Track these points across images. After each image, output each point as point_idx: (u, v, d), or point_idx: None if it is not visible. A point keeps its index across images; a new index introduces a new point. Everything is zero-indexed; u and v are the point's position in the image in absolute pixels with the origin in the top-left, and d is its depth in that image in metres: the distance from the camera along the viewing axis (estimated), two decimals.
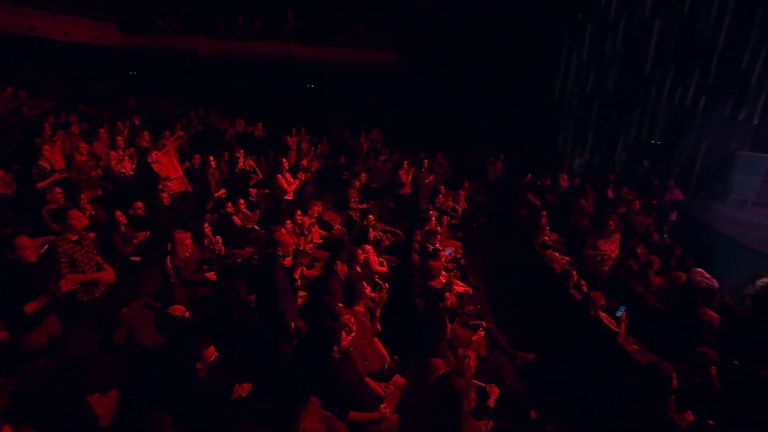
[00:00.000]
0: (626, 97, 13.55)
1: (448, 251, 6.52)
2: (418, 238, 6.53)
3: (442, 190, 9.76)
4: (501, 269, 7.69)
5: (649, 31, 13.20)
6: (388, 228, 7.90)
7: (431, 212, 7.06)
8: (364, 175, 9.30)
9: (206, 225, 5.52)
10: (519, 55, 14.79)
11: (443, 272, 5.51)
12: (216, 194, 7.40)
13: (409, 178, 9.85)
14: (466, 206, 10.23)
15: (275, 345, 3.59)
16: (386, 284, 5.36)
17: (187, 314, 4.45)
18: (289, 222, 5.91)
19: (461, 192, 10.07)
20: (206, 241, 5.58)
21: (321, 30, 17.73)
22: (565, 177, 10.39)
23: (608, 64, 13.89)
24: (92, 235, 5.10)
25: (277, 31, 17.36)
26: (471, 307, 5.19)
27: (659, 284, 5.38)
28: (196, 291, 5.00)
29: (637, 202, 7.44)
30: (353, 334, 3.46)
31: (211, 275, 5.24)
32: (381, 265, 5.70)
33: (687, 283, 4.78)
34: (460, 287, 5.50)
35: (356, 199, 8.82)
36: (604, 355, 4.20)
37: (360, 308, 4.07)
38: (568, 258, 6.74)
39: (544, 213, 7.68)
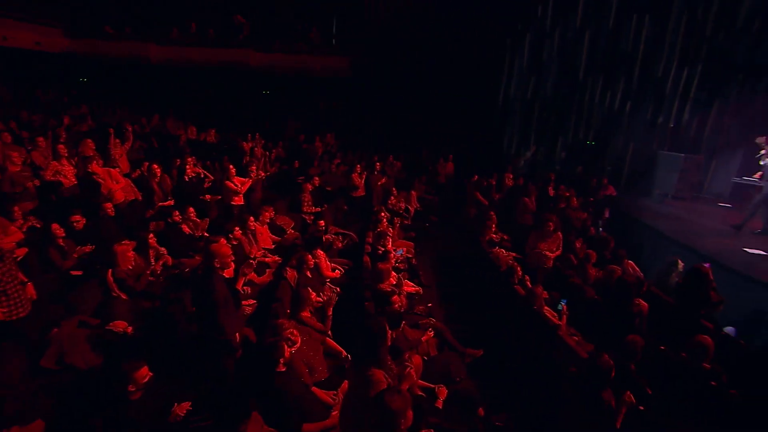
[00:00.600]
0: (563, 101, 13.96)
1: (399, 252, 6.37)
2: (370, 240, 6.34)
3: (395, 192, 9.64)
4: (452, 267, 7.64)
5: (580, 41, 13.66)
6: (341, 231, 7.67)
7: (383, 214, 6.88)
8: (317, 178, 9.01)
9: (151, 235, 5.08)
10: (465, 63, 14.95)
11: (393, 273, 5.35)
12: (164, 203, 6.88)
13: (362, 181, 9.65)
14: (418, 206, 10.16)
15: (218, 360, 3.29)
16: (338, 288, 5.14)
17: (129, 329, 4.05)
18: (237, 229, 5.56)
19: (413, 193, 9.98)
20: (151, 252, 5.14)
21: (275, 37, 17.21)
22: (511, 176, 10.52)
23: (546, 70, 14.27)
24: (21, 251, 4.58)
25: (231, 38, 16.69)
26: (421, 307, 5.05)
27: (597, 277, 5.45)
28: (139, 305, 4.58)
29: (575, 198, 7.59)
30: (297, 345, 3.22)
31: (157, 288, 4.83)
32: (333, 269, 5.45)
33: (621, 275, 4.84)
34: (410, 287, 5.36)
35: (310, 203, 8.53)
36: (547, 348, 4.16)
37: (306, 314, 3.82)
38: (513, 254, 6.77)
39: (492, 213, 7.70)
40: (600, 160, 13.19)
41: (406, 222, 8.81)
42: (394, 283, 5.02)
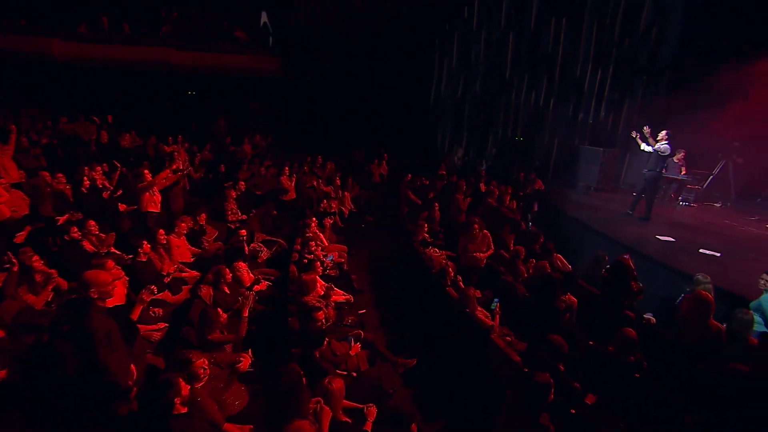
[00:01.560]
0: (491, 100, 14.27)
1: (329, 258, 6.01)
2: (299, 247, 5.92)
3: (332, 192, 9.26)
4: (387, 269, 7.41)
5: (505, 43, 14.02)
6: (269, 238, 7.16)
7: (309, 219, 6.45)
8: (243, 183, 8.38)
9: (34, 257, 4.29)
10: (396, 62, 14.85)
11: (321, 283, 4.99)
12: (62, 217, 6.00)
13: (293, 183, 9.15)
14: (352, 207, 9.84)
15: (107, 405, 2.75)
16: (254, 289, 4.66)
17: (2, 374, 3.36)
18: (146, 243, 4.92)
19: (346, 194, 9.65)
20: (38, 277, 4.37)
21: (199, 35, 16.12)
22: (444, 174, 10.51)
23: (474, 70, 14.51)
24: None
25: (150, 35, 15.35)
26: (351, 318, 4.73)
27: (529, 273, 5.42)
28: (21, 341, 3.84)
29: (501, 194, 7.63)
30: (203, 381, 2.77)
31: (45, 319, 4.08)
32: (257, 282, 4.97)
33: (548, 272, 4.81)
34: (340, 296, 5.02)
35: (235, 210, 7.91)
36: (480, 353, 3.99)
37: (217, 336, 3.36)
38: (448, 252, 6.64)
39: (425, 213, 7.55)
40: (528, 155, 13.62)
41: (339, 225, 8.44)
42: (322, 293, 4.66)
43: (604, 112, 13.05)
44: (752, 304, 4.21)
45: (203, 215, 6.56)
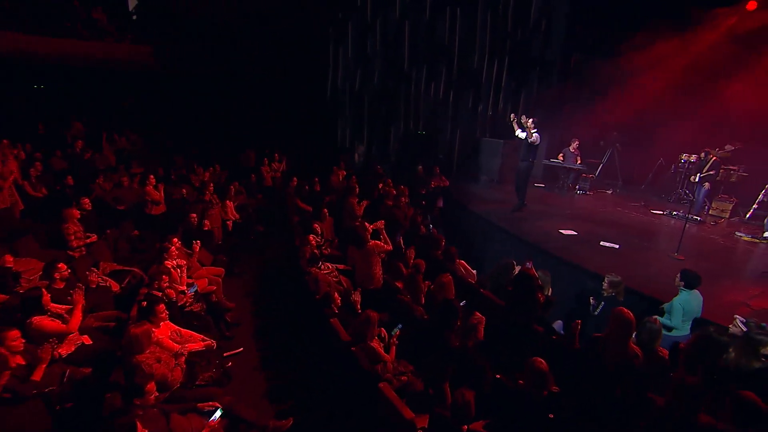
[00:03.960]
0: (391, 93, 13.74)
1: (192, 289, 4.85)
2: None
3: (215, 201, 7.94)
4: (274, 293, 6.39)
5: (401, 33, 13.55)
6: (121, 268, 5.74)
7: (168, 243, 5.18)
8: (87, 200, 6.75)
9: None
10: (288, 54, 13.71)
11: (172, 328, 3.86)
12: None
13: (161, 194, 7.68)
14: (237, 217, 8.59)
15: None
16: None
17: None
18: None
19: (228, 203, 8.37)
20: None
21: (44, 18, 13.49)
22: (342, 174, 9.69)
23: (372, 62, 13.87)
24: None
25: None
26: (208, 374, 3.67)
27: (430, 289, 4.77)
28: None
29: (397, 194, 6.99)
30: None
31: None
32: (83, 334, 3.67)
33: (446, 298, 4.19)
34: (198, 343, 3.93)
35: (80, 234, 6.29)
36: (370, 406, 3.20)
37: None
38: (342, 266, 5.82)
39: (316, 225, 6.64)
40: (432, 149, 13.34)
41: (218, 242, 7.21)
42: (173, 346, 3.56)
43: (502, 103, 13.18)
44: (666, 306, 3.97)
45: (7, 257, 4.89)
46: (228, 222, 8.36)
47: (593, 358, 3.26)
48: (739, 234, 7.59)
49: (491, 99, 13.24)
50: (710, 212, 8.78)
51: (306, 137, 13.95)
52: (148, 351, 3.34)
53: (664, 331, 3.63)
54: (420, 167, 10.00)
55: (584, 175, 10.47)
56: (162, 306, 3.72)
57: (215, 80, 13.67)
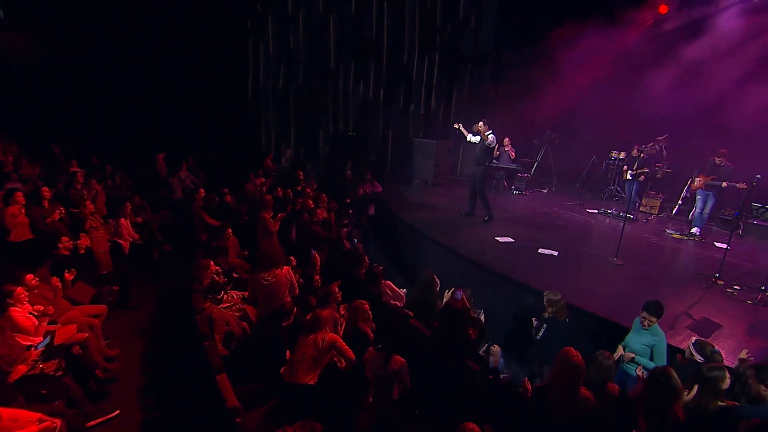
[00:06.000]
0: (317, 91, 12.93)
1: (43, 344, 3.78)
2: None
3: (97, 222, 6.68)
4: (168, 334, 5.37)
5: (326, 27, 12.79)
6: None
7: (14, 284, 4.03)
8: None
9: None
10: (202, 48, 12.42)
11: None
12: None
13: (22, 216, 6.29)
14: (136, 238, 7.40)
15: None
16: None
17: None
18: None
19: (122, 221, 7.14)
20: None
21: None
22: (259, 182, 8.75)
23: (296, 58, 12.96)
24: None
25: None
26: None
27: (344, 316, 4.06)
28: None
29: (324, 207, 6.22)
30: None
31: None
32: None
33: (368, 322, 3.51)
34: (29, 428, 2.92)
35: None
36: None
37: None
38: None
39: (223, 243, 5.72)
40: (363, 151, 12.69)
41: (102, 272, 6.03)
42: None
43: (434, 102, 12.82)
44: (638, 346, 3.47)
45: None
46: (123, 243, 7.15)
47: (539, 407, 2.71)
48: (670, 231, 7.64)
49: (423, 97, 12.83)
50: (641, 209, 8.89)
51: (226, 141, 12.75)
52: None
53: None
54: (349, 172, 9.27)
55: (519, 174, 10.31)
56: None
57: (118, 77, 12.04)
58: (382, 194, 9.51)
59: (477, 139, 7.30)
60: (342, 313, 4.39)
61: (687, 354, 3.21)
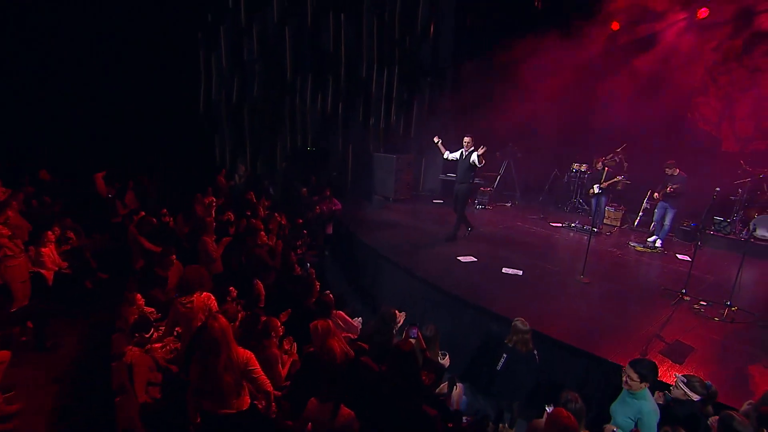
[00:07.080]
0: (274, 105, 12.46)
1: None
2: None
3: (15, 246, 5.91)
4: (91, 380, 4.71)
5: (282, 39, 12.40)
6: None
7: None
8: None
9: None
10: (149, 59, 11.72)
11: None
12: None
13: None
14: (65, 266, 6.66)
15: None
16: None
17: None
18: None
19: (45, 250, 6.38)
20: None
21: None
22: (208, 200, 8.15)
23: (250, 70, 12.47)
24: None
25: None
26: None
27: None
28: None
29: (255, 231, 5.72)
30: None
31: None
32: None
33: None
34: None
35: None
36: None
37: None
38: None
39: (164, 271, 5.14)
40: (323, 167, 12.27)
41: (8, 309, 5.30)
42: None
43: (394, 115, 12.60)
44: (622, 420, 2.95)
45: None
46: (46, 273, 6.40)
47: None
48: (633, 244, 7.60)
49: (383, 111, 12.59)
50: (604, 221, 8.86)
51: (177, 157, 12.01)
52: None
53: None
54: (304, 189, 8.81)
55: (482, 189, 10.15)
56: None
57: (57, 86, 11.11)
58: (341, 212, 9.10)
59: (456, 156, 7.03)
60: (286, 348, 3.94)
61: (678, 394, 2.92)
